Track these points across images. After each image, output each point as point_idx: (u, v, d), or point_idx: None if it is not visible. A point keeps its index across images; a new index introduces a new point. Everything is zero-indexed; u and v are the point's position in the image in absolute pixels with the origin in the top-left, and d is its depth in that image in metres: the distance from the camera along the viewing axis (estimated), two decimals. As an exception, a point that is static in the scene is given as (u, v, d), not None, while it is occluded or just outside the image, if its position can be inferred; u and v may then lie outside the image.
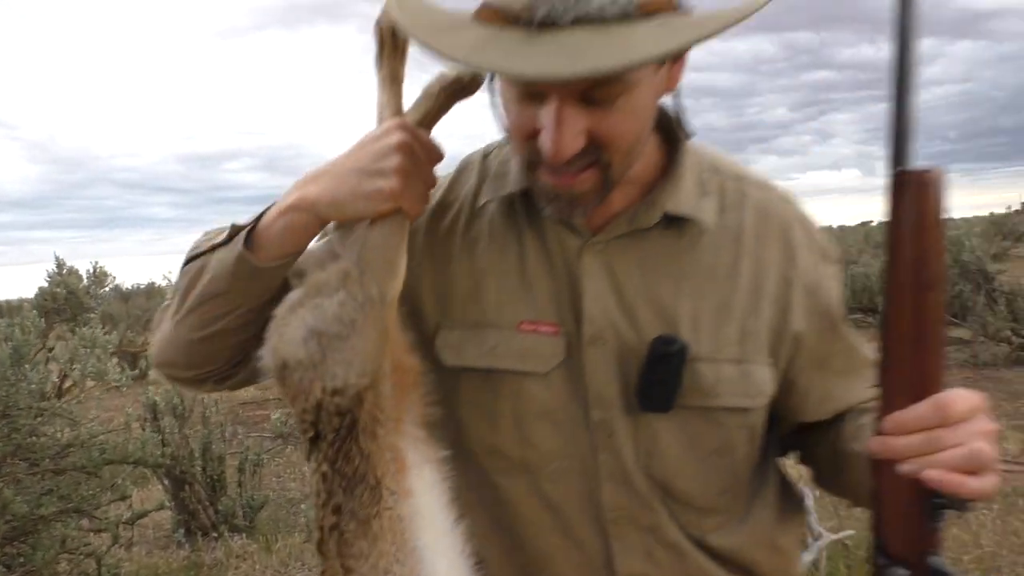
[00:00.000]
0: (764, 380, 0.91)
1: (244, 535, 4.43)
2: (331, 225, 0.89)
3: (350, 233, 0.85)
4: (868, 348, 0.96)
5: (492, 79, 0.84)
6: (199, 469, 4.58)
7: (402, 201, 0.79)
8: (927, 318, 0.74)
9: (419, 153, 0.80)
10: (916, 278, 0.73)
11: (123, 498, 3.76)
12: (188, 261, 0.86)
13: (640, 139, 0.84)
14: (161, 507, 4.31)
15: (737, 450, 0.93)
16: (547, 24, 0.69)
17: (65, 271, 6.74)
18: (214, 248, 0.84)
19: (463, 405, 0.93)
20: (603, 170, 0.81)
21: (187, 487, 4.56)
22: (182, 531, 4.45)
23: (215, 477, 4.64)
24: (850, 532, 2.43)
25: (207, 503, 4.58)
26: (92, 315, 6.06)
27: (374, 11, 0.86)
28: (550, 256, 0.92)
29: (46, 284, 6.49)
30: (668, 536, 0.91)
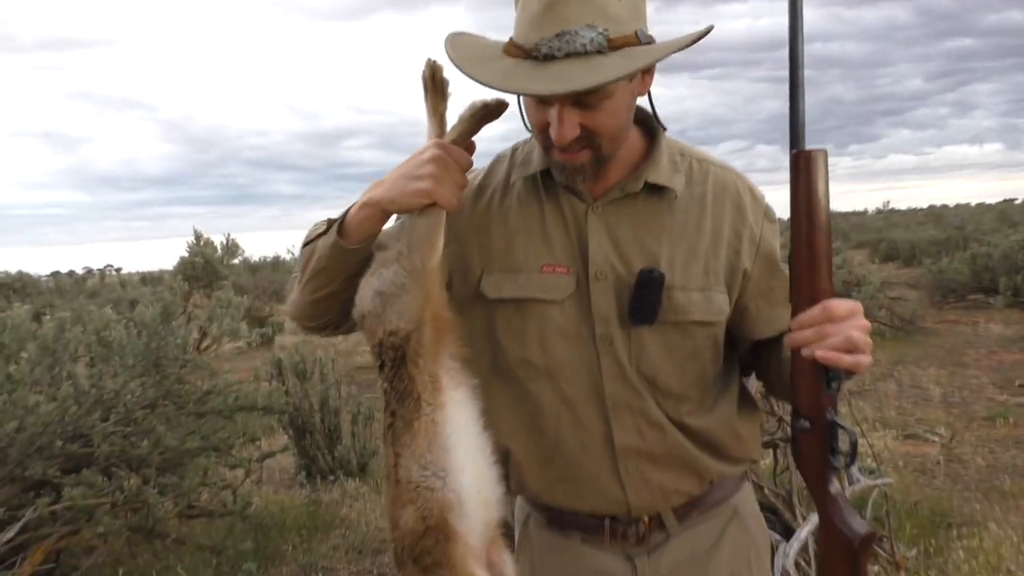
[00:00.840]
0: (722, 303, 1.23)
1: (357, 479, 4.92)
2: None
3: (406, 221, 1.19)
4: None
5: (519, 95, 1.16)
6: (318, 420, 5.09)
7: (436, 197, 1.09)
8: (817, 252, 1.04)
9: (448, 162, 1.10)
10: (809, 224, 1.04)
11: (253, 440, 4.27)
12: (304, 245, 1.23)
13: (621, 128, 1.15)
14: (285, 450, 4.84)
15: (704, 353, 1.23)
16: (548, 58, 1.04)
17: (203, 243, 7.48)
18: (319, 236, 1.19)
19: (501, 330, 1.25)
20: (595, 150, 1.14)
21: (307, 436, 5.08)
22: (303, 474, 4.97)
23: (332, 428, 5.15)
24: (888, 480, 2.59)
25: (325, 450, 5.09)
26: (225, 282, 6.70)
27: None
28: (563, 217, 1.24)
29: (186, 254, 7.23)
30: (653, 417, 1.22)
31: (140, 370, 3.84)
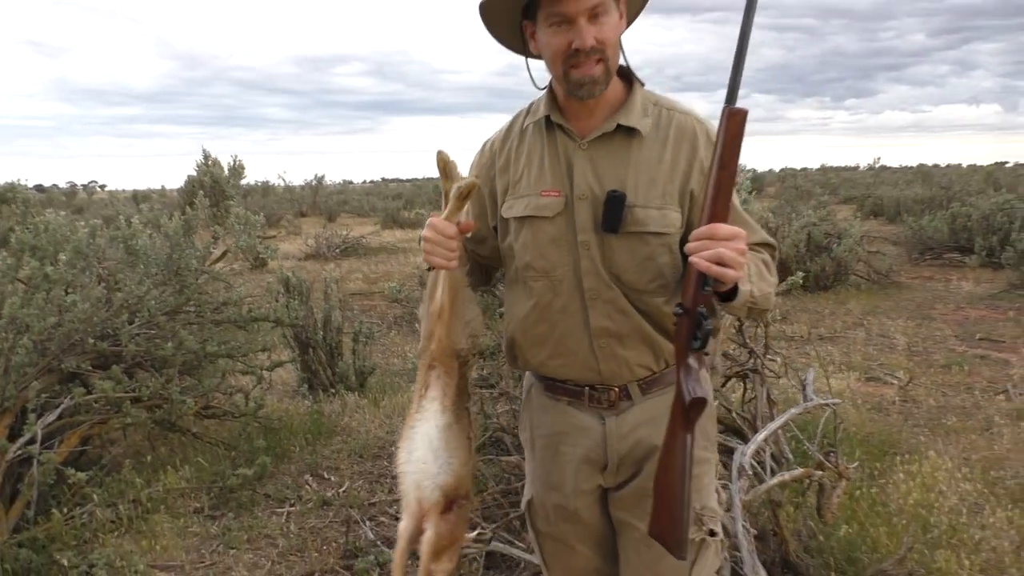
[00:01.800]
0: (674, 219, 1.55)
1: (356, 393, 5.27)
2: None
3: None
4: (747, 216, 1.59)
5: (527, 66, 1.58)
6: (320, 337, 5.41)
7: (431, 263, 1.52)
8: (719, 185, 1.36)
9: (436, 238, 1.49)
10: (719, 165, 1.37)
11: (264, 349, 4.59)
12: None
13: (616, 45, 1.50)
14: (293, 361, 5.17)
15: (660, 258, 1.55)
16: None
17: (211, 162, 7.67)
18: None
19: (515, 241, 1.62)
20: (604, 62, 1.48)
21: (310, 351, 5.41)
22: (305, 386, 5.31)
23: (333, 345, 5.47)
24: (836, 400, 2.94)
25: (326, 365, 5.43)
26: (231, 202, 6.92)
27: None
28: (558, 153, 1.59)
29: (195, 173, 7.42)
30: (620, 305, 1.56)
31: (162, 278, 4.13)
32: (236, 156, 7.38)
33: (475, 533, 1.87)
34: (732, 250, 1.33)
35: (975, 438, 4.26)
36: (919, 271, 10.73)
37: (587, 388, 1.63)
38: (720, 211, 1.36)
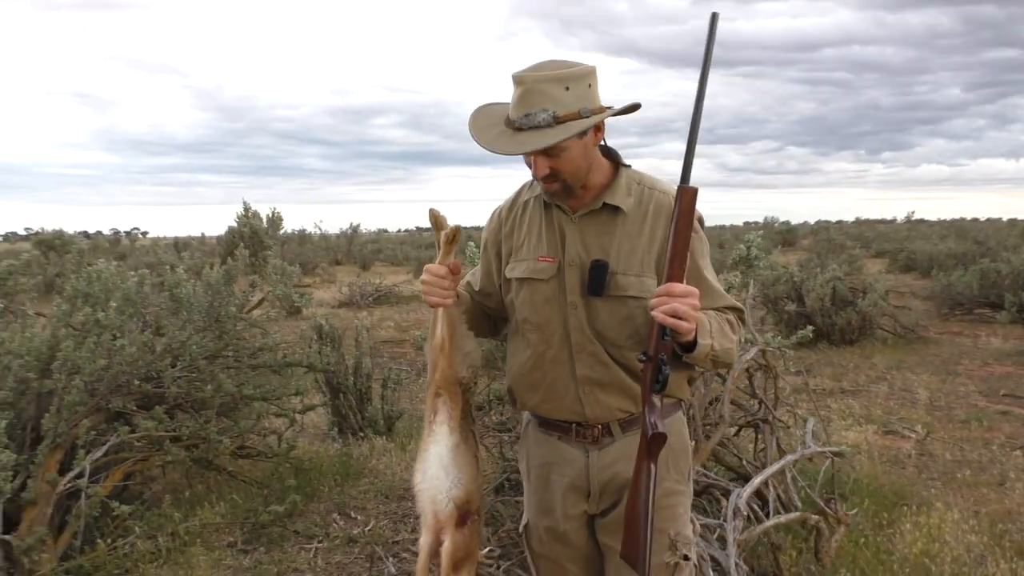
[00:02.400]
0: (651, 284, 1.75)
1: (384, 437, 5.46)
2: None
3: None
4: (716, 283, 1.80)
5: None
6: (351, 382, 5.63)
7: (429, 303, 1.78)
8: (675, 251, 1.62)
9: (431, 279, 1.76)
10: (675, 235, 1.62)
11: (297, 393, 4.81)
12: None
13: (578, 169, 1.72)
14: (324, 405, 5.39)
15: (637, 318, 1.76)
16: (519, 129, 1.65)
17: (250, 214, 8.04)
18: None
19: (516, 298, 1.87)
20: (562, 183, 1.73)
21: (341, 396, 5.63)
22: (336, 430, 5.53)
23: (363, 390, 5.69)
24: (835, 449, 3.07)
25: (356, 410, 5.64)
26: (269, 252, 7.23)
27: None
28: (552, 224, 1.84)
29: (235, 224, 7.79)
30: (601, 358, 1.79)
31: (203, 324, 4.39)
32: (275, 208, 7.76)
33: (486, 550, 2.05)
34: (686, 305, 1.56)
35: (987, 492, 4.33)
36: (948, 326, 10.73)
37: (574, 425, 1.85)
38: (676, 272, 1.61)
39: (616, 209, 1.78)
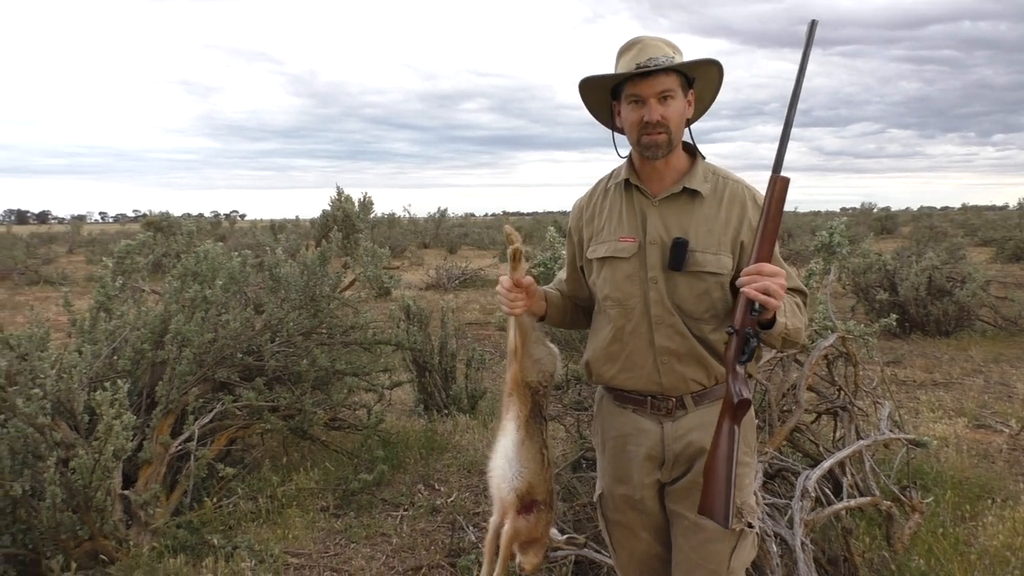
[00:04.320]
0: (727, 261, 1.89)
1: (467, 415, 5.66)
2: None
3: None
4: (785, 266, 1.86)
5: (613, 138, 1.96)
6: (436, 361, 5.84)
7: (506, 312, 1.98)
8: (764, 236, 1.73)
9: (504, 292, 1.95)
10: (764, 220, 1.70)
11: (385, 370, 5.06)
12: None
13: (679, 123, 1.88)
14: (411, 382, 5.63)
15: (713, 293, 1.90)
16: (646, 70, 1.83)
17: (343, 198, 8.35)
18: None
19: (597, 278, 1.99)
20: (667, 134, 1.87)
21: (427, 374, 5.85)
22: (421, 406, 5.76)
23: (448, 369, 5.90)
24: (909, 436, 3.05)
25: (441, 388, 5.86)
26: (360, 235, 7.50)
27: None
28: (634, 208, 1.97)
29: (329, 208, 8.11)
30: (679, 329, 1.91)
31: (299, 303, 4.66)
32: (366, 192, 8.04)
33: (565, 537, 2.20)
34: (775, 284, 1.68)
35: (1080, 488, 4.19)
36: (1054, 319, 10.21)
37: (649, 397, 1.97)
38: (765, 255, 1.73)
39: (695, 193, 1.92)
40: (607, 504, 2.09)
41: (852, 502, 2.64)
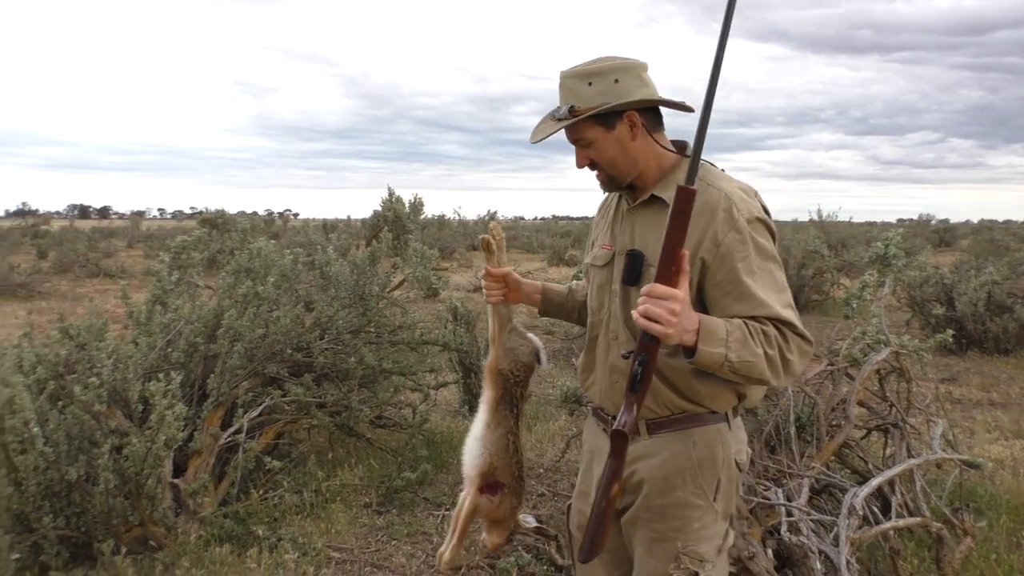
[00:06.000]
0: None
1: (511, 418, 5.66)
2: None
3: None
4: (759, 291, 1.66)
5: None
6: (482, 363, 5.86)
7: (488, 301, 2.08)
8: (665, 254, 1.55)
9: (488, 283, 2.04)
10: (666, 235, 1.56)
11: (432, 370, 5.10)
12: None
13: (614, 160, 1.78)
14: (456, 383, 5.66)
15: None
16: (558, 119, 1.76)
17: (394, 199, 8.46)
18: None
19: (587, 283, 2.01)
20: (604, 172, 1.81)
21: (472, 375, 5.88)
22: (466, 407, 5.78)
23: (493, 371, 5.91)
24: (962, 456, 2.96)
25: (486, 390, 5.87)
26: (410, 236, 7.57)
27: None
28: (619, 215, 1.90)
29: (380, 208, 8.22)
30: (629, 345, 1.76)
31: (349, 301, 4.73)
32: (416, 193, 8.15)
33: (534, 526, 2.25)
34: (661, 308, 1.52)
35: None
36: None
37: (610, 417, 1.86)
38: (662, 273, 1.56)
39: (662, 201, 1.75)
40: (572, 519, 2.03)
41: (901, 522, 2.58)
